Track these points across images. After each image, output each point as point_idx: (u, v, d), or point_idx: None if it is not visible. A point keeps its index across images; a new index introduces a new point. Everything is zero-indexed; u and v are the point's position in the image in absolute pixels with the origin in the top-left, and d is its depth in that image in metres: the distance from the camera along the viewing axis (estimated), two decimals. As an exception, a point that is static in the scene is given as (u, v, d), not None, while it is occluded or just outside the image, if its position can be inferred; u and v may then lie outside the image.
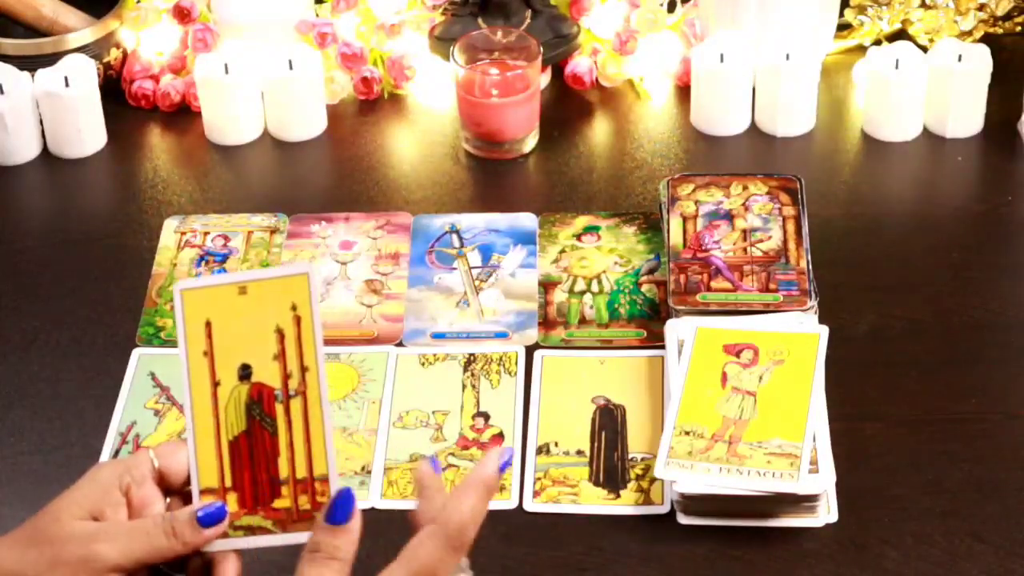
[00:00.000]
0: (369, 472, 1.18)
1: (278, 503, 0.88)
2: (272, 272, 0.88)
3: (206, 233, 1.44)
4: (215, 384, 0.88)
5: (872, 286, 1.36)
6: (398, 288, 1.37)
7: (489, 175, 1.52)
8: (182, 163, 1.56)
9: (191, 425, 0.89)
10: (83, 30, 1.59)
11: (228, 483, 0.88)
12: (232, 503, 0.88)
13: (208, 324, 0.88)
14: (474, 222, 1.44)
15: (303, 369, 0.87)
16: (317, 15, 1.63)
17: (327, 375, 0.87)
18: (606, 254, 1.39)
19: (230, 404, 0.88)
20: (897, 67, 1.51)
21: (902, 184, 1.50)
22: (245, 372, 0.88)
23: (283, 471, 0.88)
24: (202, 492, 0.89)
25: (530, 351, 1.30)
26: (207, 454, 0.88)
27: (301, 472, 0.88)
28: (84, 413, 1.26)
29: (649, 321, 1.32)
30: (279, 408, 0.88)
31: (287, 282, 0.88)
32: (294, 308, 0.88)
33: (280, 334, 0.87)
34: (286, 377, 0.87)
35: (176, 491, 0.90)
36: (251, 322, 0.88)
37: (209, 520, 0.87)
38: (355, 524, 0.85)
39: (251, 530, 0.88)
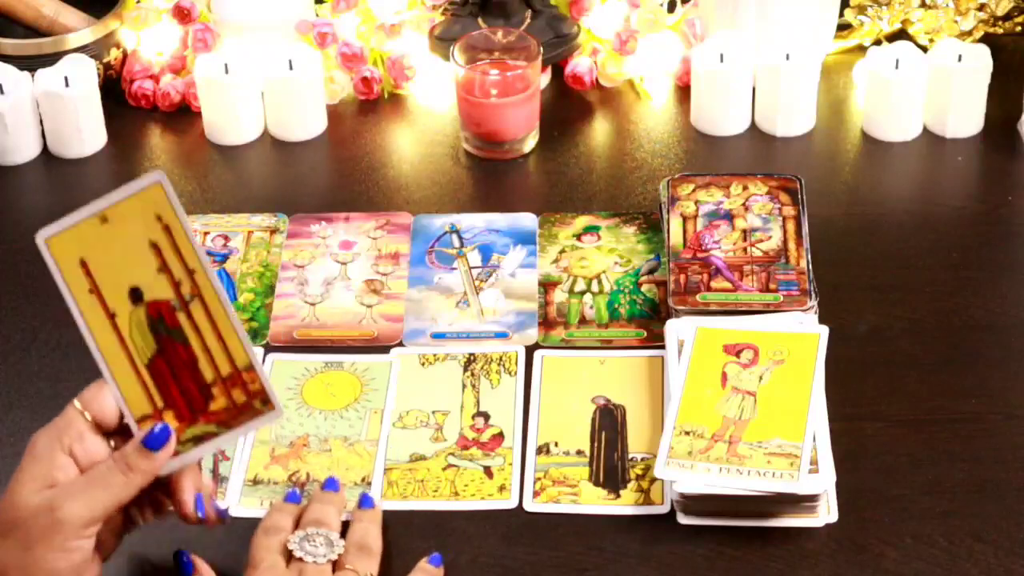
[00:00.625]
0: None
1: (214, 405, 0.88)
2: (125, 191, 0.88)
3: (206, 233, 1.44)
4: (111, 317, 0.89)
5: (872, 286, 1.36)
6: (398, 288, 1.37)
7: (489, 175, 1.52)
8: (182, 163, 1.56)
9: (104, 365, 0.89)
10: (83, 30, 1.60)
11: (160, 404, 0.88)
12: (171, 420, 0.88)
13: (83, 263, 0.88)
14: (474, 222, 1.44)
15: (190, 272, 0.88)
16: (317, 15, 1.64)
17: (212, 269, 0.88)
18: (606, 254, 1.39)
19: (133, 330, 0.88)
20: (897, 67, 1.51)
21: (902, 184, 1.50)
22: (136, 295, 0.88)
23: (207, 375, 0.88)
24: (138, 421, 0.89)
25: (530, 351, 1.30)
26: (130, 385, 0.89)
27: (225, 369, 0.88)
28: (84, 413, 1.26)
29: (649, 321, 1.32)
30: (181, 317, 0.88)
31: (143, 196, 0.88)
32: (159, 219, 0.88)
33: (156, 247, 0.88)
34: (176, 285, 0.88)
35: (116, 431, 0.90)
36: (123, 246, 0.88)
37: (155, 443, 0.87)
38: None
39: (198, 440, 0.89)
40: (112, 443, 0.90)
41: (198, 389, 0.88)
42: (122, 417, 0.90)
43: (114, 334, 0.88)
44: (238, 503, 1.13)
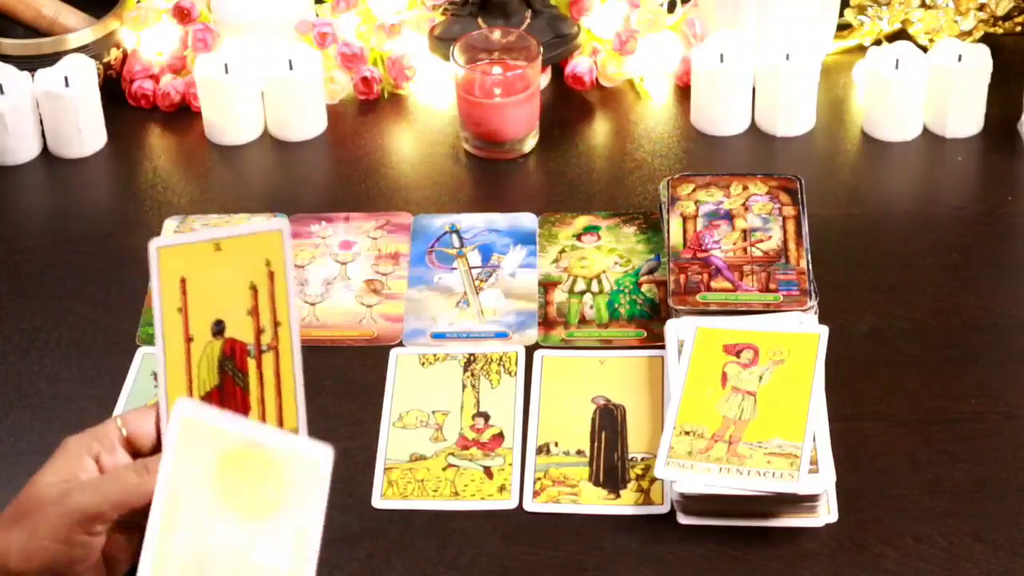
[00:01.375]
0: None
1: None
2: (246, 228, 0.88)
3: (206, 233, 1.44)
4: (188, 340, 0.88)
5: (872, 286, 1.36)
6: (398, 288, 1.37)
7: (489, 175, 1.52)
8: (182, 163, 1.56)
9: (163, 381, 0.88)
10: (83, 30, 1.60)
11: None
12: None
13: (183, 281, 0.88)
14: (474, 222, 1.44)
15: (276, 324, 0.87)
16: (317, 15, 1.64)
17: (299, 330, 0.87)
18: (606, 254, 1.39)
19: (203, 360, 0.88)
20: (897, 67, 1.51)
21: (902, 184, 1.50)
22: (218, 328, 0.88)
23: None
24: None
25: (530, 351, 1.30)
26: None
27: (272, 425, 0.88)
28: (84, 413, 1.26)
29: (649, 321, 1.32)
30: (251, 363, 0.88)
31: (261, 238, 0.88)
32: (268, 264, 0.88)
33: (254, 290, 0.88)
34: (259, 332, 0.87)
35: (144, 455, 0.90)
36: (225, 278, 0.88)
37: None
38: None
39: None
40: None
41: None
42: (155, 447, 0.90)
43: (184, 356, 0.88)
44: None
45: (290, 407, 0.88)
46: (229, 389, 0.88)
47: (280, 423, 0.88)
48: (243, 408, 0.88)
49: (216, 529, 0.81)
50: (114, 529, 0.87)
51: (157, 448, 0.90)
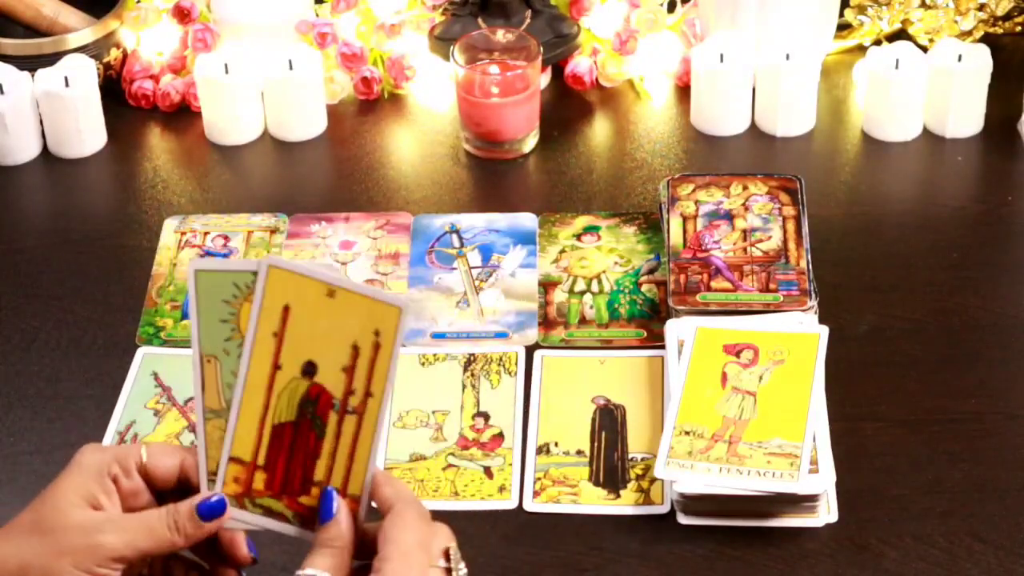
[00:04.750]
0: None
1: (304, 500, 0.87)
2: (369, 290, 0.86)
3: (206, 233, 1.44)
4: (276, 367, 0.86)
5: (872, 286, 1.36)
6: (398, 288, 1.37)
7: (489, 175, 1.52)
8: (182, 163, 1.56)
9: (239, 397, 0.86)
10: (83, 30, 1.60)
11: (261, 461, 0.87)
12: (258, 481, 0.87)
13: (286, 309, 0.85)
14: (474, 222, 1.44)
15: (367, 393, 0.85)
16: (317, 15, 1.64)
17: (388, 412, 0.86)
18: (606, 254, 1.39)
19: (285, 392, 0.86)
20: (897, 67, 1.51)
21: (902, 184, 1.50)
22: (310, 369, 0.86)
23: (319, 474, 0.86)
24: (231, 459, 0.87)
25: (530, 351, 1.30)
26: (247, 429, 0.86)
27: (336, 482, 0.86)
28: (84, 413, 1.26)
29: (649, 321, 1.32)
30: (332, 417, 0.86)
31: (379, 306, 0.85)
32: (377, 334, 0.85)
33: (355, 350, 0.85)
34: (348, 391, 0.86)
35: (157, 490, 0.90)
36: (330, 327, 0.85)
37: (209, 513, 0.87)
38: (342, 516, 0.86)
39: (269, 512, 0.87)
40: (151, 496, 0.90)
41: (302, 477, 0.87)
42: (172, 486, 0.89)
43: (267, 381, 0.86)
44: None
45: (359, 473, 0.86)
46: (304, 429, 0.86)
47: (345, 483, 0.87)
48: (314, 452, 0.86)
49: None
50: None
51: (173, 487, 0.90)
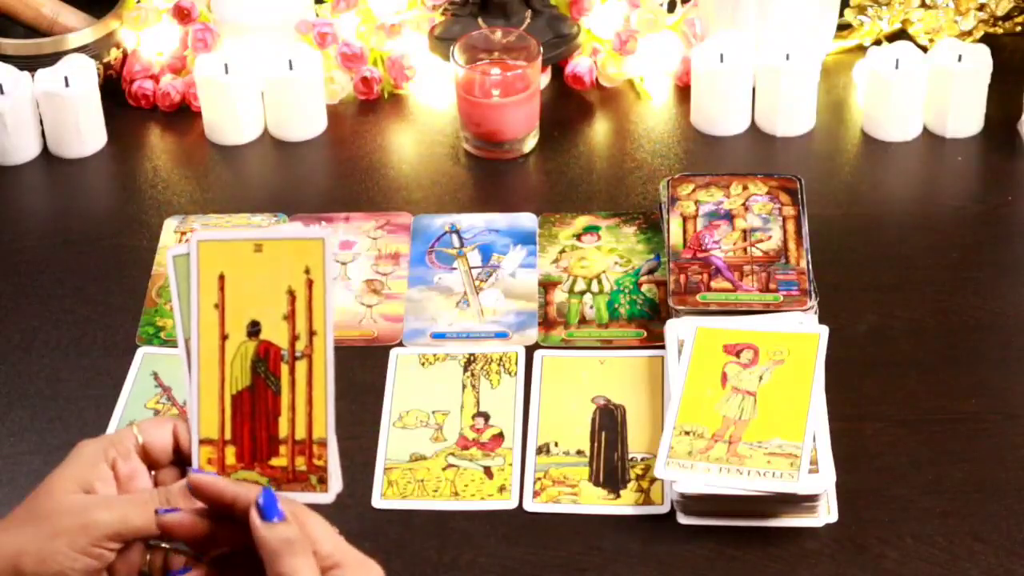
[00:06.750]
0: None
1: (275, 461, 0.88)
2: (289, 233, 0.88)
3: (206, 233, 1.44)
4: (223, 337, 0.88)
5: (872, 286, 1.36)
6: (398, 288, 1.37)
7: (489, 175, 1.52)
8: (182, 163, 1.56)
9: (196, 377, 0.88)
10: (83, 30, 1.60)
11: (227, 436, 0.88)
12: (230, 456, 0.88)
13: (221, 277, 0.88)
14: (474, 222, 1.44)
15: (311, 333, 0.88)
16: (317, 15, 1.64)
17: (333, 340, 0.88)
18: (606, 254, 1.39)
19: (236, 358, 0.88)
20: (897, 67, 1.51)
21: (902, 184, 1.50)
22: (254, 329, 0.88)
23: (283, 430, 0.88)
24: (201, 443, 0.89)
25: (530, 351, 1.30)
26: (209, 406, 0.88)
27: (300, 433, 0.88)
28: (84, 413, 1.26)
29: (649, 321, 1.32)
30: (284, 368, 0.88)
31: (302, 245, 0.88)
32: (307, 271, 0.88)
33: (291, 295, 0.88)
34: (294, 338, 0.88)
35: (159, 467, 0.90)
36: (264, 280, 0.88)
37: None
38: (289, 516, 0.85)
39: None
40: (153, 474, 0.90)
41: (268, 439, 0.88)
42: (172, 458, 0.90)
43: (219, 353, 0.88)
44: None
45: (320, 416, 0.88)
46: (261, 391, 0.88)
47: (309, 431, 0.88)
48: (274, 410, 0.88)
49: None
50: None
51: (171, 459, 0.90)
